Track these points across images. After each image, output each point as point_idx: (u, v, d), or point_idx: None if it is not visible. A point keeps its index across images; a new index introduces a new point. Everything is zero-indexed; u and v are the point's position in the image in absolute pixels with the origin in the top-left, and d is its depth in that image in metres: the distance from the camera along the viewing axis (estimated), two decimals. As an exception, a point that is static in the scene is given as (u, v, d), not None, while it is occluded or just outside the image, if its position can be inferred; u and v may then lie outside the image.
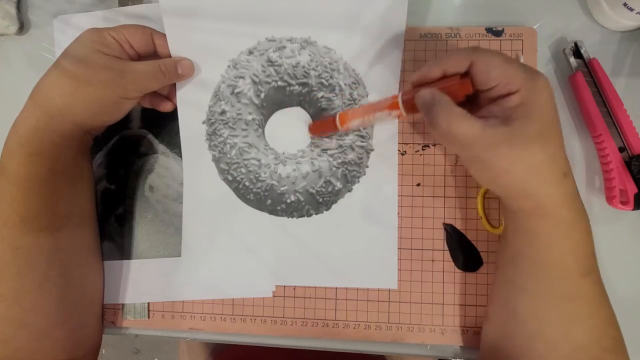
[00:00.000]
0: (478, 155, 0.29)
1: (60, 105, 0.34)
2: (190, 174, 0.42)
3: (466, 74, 0.30)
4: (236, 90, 0.40)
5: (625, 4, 0.36)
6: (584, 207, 0.31)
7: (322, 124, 0.39)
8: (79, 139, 0.37)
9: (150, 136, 0.43)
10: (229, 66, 0.40)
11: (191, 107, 0.41)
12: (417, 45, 0.40)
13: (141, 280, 0.42)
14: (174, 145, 0.43)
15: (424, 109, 0.30)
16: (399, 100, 0.33)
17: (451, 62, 0.30)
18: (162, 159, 0.43)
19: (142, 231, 0.42)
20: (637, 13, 0.36)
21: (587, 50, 0.38)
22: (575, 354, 0.30)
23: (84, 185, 0.40)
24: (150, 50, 0.40)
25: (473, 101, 0.31)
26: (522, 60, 0.39)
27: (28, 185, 0.34)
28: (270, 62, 0.40)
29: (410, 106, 0.33)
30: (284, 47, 0.40)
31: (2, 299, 0.34)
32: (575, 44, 0.38)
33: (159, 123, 0.43)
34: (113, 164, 0.43)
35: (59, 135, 0.35)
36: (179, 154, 0.42)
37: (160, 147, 0.43)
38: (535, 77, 0.28)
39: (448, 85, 0.30)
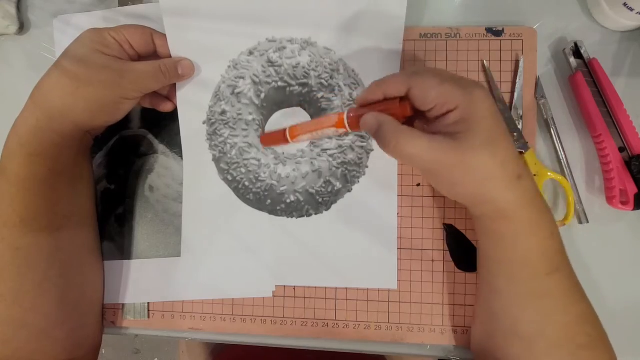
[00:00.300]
0: (430, 169, 0.30)
1: (60, 106, 0.34)
2: (190, 174, 0.42)
3: (405, 97, 0.31)
4: (236, 91, 0.40)
5: (625, 4, 0.36)
6: (546, 205, 0.32)
7: (273, 135, 0.40)
8: (79, 140, 0.37)
9: (150, 136, 0.43)
10: (229, 66, 0.40)
11: (192, 108, 0.41)
12: (417, 45, 0.40)
13: (141, 280, 0.42)
14: (174, 145, 0.43)
15: (371, 131, 0.32)
16: (345, 119, 0.35)
17: (390, 87, 0.31)
18: (162, 159, 0.43)
19: (142, 231, 0.42)
20: (637, 13, 0.36)
21: (587, 51, 0.38)
22: (551, 351, 0.31)
23: (84, 186, 0.40)
24: (150, 50, 0.39)
25: (422, 117, 0.33)
26: (521, 60, 0.39)
27: (28, 185, 0.34)
28: (271, 63, 0.40)
29: (356, 124, 0.34)
30: (284, 48, 0.40)
31: (2, 299, 0.34)
32: (575, 44, 0.38)
33: (159, 123, 0.43)
34: (113, 164, 0.43)
35: (59, 136, 0.35)
36: (179, 154, 0.42)
37: (160, 147, 0.43)
38: (471, 90, 0.29)
39: (387, 108, 0.32)
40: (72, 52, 0.36)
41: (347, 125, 0.35)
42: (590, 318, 0.32)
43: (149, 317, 0.42)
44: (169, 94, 0.42)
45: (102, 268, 0.42)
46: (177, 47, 0.40)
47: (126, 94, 0.36)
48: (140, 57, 0.39)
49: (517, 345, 0.32)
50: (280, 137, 0.38)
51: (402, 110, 0.31)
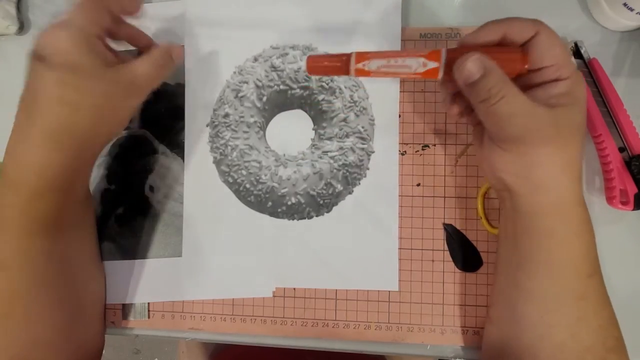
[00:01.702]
0: (520, 136, 0.27)
1: (65, 122, 0.32)
2: (192, 176, 0.42)
3: (522, 48, 0.27)
4: (240, 94, 0.41)
5: (625, 4, 0.36)
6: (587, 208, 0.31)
7: (329, 59, 0.30)
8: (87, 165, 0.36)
9: (150, 136, 0.43)
10: (234, 72, 0.42)
11: (197, 111, 0.42)
12: (417, 45, 0.40)
13: (141, 281, 0.42)
14: (174, 145, 0.43)
15: (469, 78, 0.27)
16: (442, 55, 0.28)
17: (516, 26, 0.28)
18: (162, 159, 0.43)
19: (142, 231, 0.42)
20: (637, 13, 0.36)
21: (587, 50, 0.38)
22: (583, 355, 0.30)
23: (88, 201, 0.39)
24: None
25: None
26: None
27: (46, 219, 0.33)
28: (274, 68, 0.41)
29: (451, 68, 0.28)
30: (287, 54, 0.41)
31: (16, 322, 0.33)
32: (575, 44, 0.38)
33: (159, 123, 0.43)
34: (113, 164, 0.43)
35: (69, 164, 0.33)
36: (179, 154, 0.42)
37: (160, 147, 0.43)
38: (578, 70, 0.28)
39: (507, 56, 0.26)
40: (62, 60, 0.31)
41: (443, 60, 0.27)
42: (616, 321, 0.31)
43: (149, 317, 0.42)
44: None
45: (104, 275, 0.42)
46: (192, 55, 0.42)
47: (131, 102, 0.35)
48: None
49: (547, 349, 0.31)
50: (339, 63, 0.29)
51: (521, 61, 0.27)
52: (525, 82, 0.29)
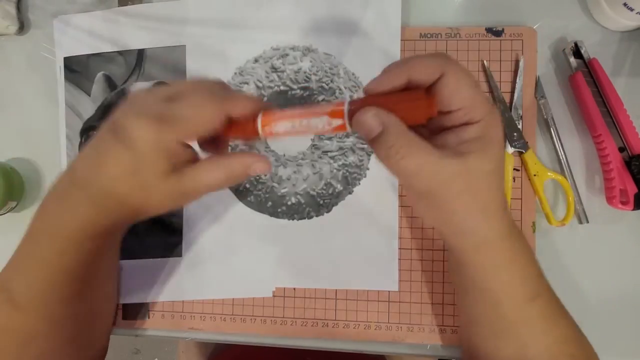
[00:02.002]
0: (430, 191, 0.27)
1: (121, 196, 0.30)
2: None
3: (428, 91, 0.25)
4: None
5: (625, 4, 0.36)
6: (521, 232, 0.31)
7: (238, 125, 0.28)
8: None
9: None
10: (235, 73, 0.42)
11: None
12: (417, 45, 0.40)
13: (141, 280, 0.42)
14: (174, 145, 0.42)
15: (369, 134, 0.26)
16: (345, 109, 0.26)
17: (420, 68, 0.25)
18: (162, 159, 0.43)
19: (143, 231, 0.42)
20: (637, 13, 0.36)
21: (587, 50, 0.38)
22: None
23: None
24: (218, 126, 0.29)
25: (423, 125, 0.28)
26: (521, 60, 0.39)
27: (70, 276, 0.32)
28: (274, 69, 0.41)
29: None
30: (287, 55, 0.41)
31: None
32: (575, 44, 0.38)
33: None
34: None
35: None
36: (179, 154, 0.42)
37: (160, 147, 0.43)
38: (493, 110, 0.26)
39: (411, 104, 0.24)
40: (135, 148, 0.28)
41: (346, 117, 0.26)
42: (573, 338, 0.31)
43: (149, 317, 0.42)
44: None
45: (118, 298, 0.42)
46: (193, 55, 0.42)
47: (184, 203, 0.33)
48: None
49: None
50: (247, 128, 0.28)
51: (427, 108, 0.24)
52: (436, 124, 0.27)
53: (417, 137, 0.25)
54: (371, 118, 0.25)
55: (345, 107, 0.26)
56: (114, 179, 0.29)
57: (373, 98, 0.26)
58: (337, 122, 0.26)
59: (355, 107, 0.26)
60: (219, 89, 0.30)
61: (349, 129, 0.27)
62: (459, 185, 0.26)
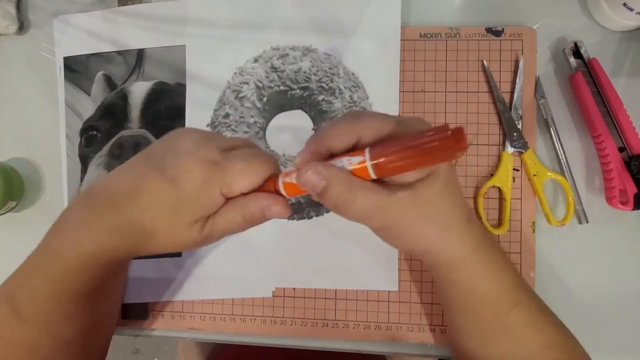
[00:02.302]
0: (386, 225, 0.28)
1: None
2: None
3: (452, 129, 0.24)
4: (240, 95, 0.41)
5: (625, 4, 0.36)
6: (493, 241, 0.31)
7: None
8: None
9: (150, 136, 0.43)
10: (235, 73, 0.42)
11: (198, 111, 0.42)
12: (417, 45, 0.40)
13: (141, 280, 0.42)
14: (174, 145, 0.42)
15: (312, 189, 0.26)
16: (279, 182, 0.27)
17: (335, 139, 0.26)
18: (162, 159, 0.43)
19: (142, 231, 0.42)
20: (636, 13, 0.36)
21: (587, 50, 0.38)
22: None
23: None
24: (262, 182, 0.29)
25: None
26: (521, 60, 0.39)
27: (76, 295, 0.32)
28: (274, 69, 0.41)
29: (293, 189, 0.27)
30: (287, 55, 0.41)
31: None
32: (575, 44, 0.38)
33: (159, 123, 0.43)
34: (113, 164, 0.43)
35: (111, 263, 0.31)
36: (179, 154, 0.42)
37: (160, 147, 0.43)
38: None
39: (440, 144, 0.23)
40: (168, 200, 0.28)
41: (282, 190, 0.27)
42: (558, 343, 0.31)
43: (149, 317, 0.42)
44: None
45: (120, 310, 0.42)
46: (193, 56, 0.42)
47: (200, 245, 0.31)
48: None
49: None
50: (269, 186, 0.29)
51: (456, 145, 0.22)
52: None
53: (362, 181, 0.25)
54: (312, 175, 0.25)
55: (280, 182, 0.27)
56: (147, 211, 0.28)
57: (398, 142, 0.24)
58: (356, 161, 0.25)
59: (288, 179, 0.27)
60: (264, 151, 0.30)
61: (286, 196, 0.27)
62: (411, 214, 0.26)
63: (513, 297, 0.31)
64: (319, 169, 0.25)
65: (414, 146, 0.23)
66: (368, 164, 0.24)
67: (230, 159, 0.28)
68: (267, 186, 0.28)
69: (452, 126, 0.22)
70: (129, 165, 0.30)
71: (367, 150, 0.25)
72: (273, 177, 0.28)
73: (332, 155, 0.26)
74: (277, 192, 0.28)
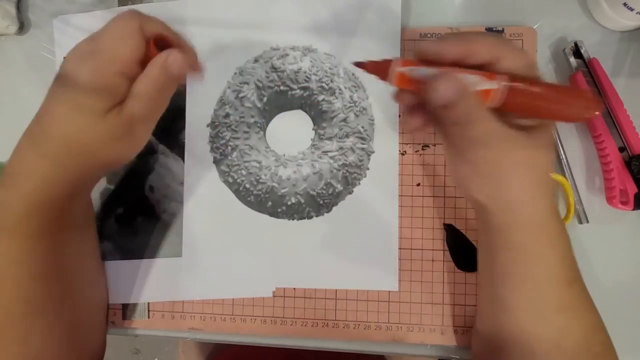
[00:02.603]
0: (489, 159, 0.27)
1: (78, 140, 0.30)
2: (192, 176, 0.42)
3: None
4: (240, 95, 0.41)
5: (625, 4, 0.36)
6: (560, 214, 0.31)
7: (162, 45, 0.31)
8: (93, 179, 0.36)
9: (151, 136, 0.43)
10: (235, 73, 0.42)
11: (198, 111, 0.42)
12: (417, 45, 0.40)
13: (141, 280, 0.42)
14: (174, 145, 0.43)
15: (442, 98, 0.25)
16: (392, 71, 0.26)
17: (478, 46, 0.26)
18: (162, 159, 0.43)
19: (142, 231, 0.42)
20: (637, 13, 0.36)
21: (587, 50, 0.38)
22: None
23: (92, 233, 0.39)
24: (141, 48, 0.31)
25: None
26: None
27: (35, 245, 0.32)
28: (274, 69, 0.41)
29: (406, 81, 0.27)
30: (287, 55, 0.41)
31: (12, 340, 0.32)
32: (575, 44, 0.38)
33: (159, 123, 0.43)
34: (113, 164, 0.43)
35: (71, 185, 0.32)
36: (179, 154, 0.42)
37: (160, 147, 0.43)
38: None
39: (576, 100, 0.24)
40: (75, 88, 0.30)
41: (392, 77, 0.26)
42: (602, 326, 0.31)
43: (149, 317, 0.42)
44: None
45: (106, 279, 0.42)
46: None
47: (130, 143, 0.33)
48: None
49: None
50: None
51: (590, 107, 0.23)
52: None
53: (488, 110, 0.26)
54: (449, 83, 0.25)
55: (392, 71, 0.26)
56: (61, 122, 0.30)
57: (537, 84, 0.25)
58: (487, 85, 0.25)
59: (409, 70, 0.26)
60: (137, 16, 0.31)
61: (392, 84, 0.26)
62: (519, 157, 0.27)
63: (574, 272, 0.30)
64: (456, 79, 0.25)
65: (553, 95, 0.24)
66: (500, 89, 0.24)
67: (99, 38, 0.30)
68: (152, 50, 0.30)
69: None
70: (46, 98, 0.32)
71: (499, 77, 0.25)
72: (157, 38, 0.30)
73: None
74: (370, 69, 0.27)
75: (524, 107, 0.25)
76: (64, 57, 0.31)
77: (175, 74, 0.31)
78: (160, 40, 0.31)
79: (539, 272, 0.30)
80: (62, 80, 0.30)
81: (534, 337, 0.31)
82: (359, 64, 0.28)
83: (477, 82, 0.25)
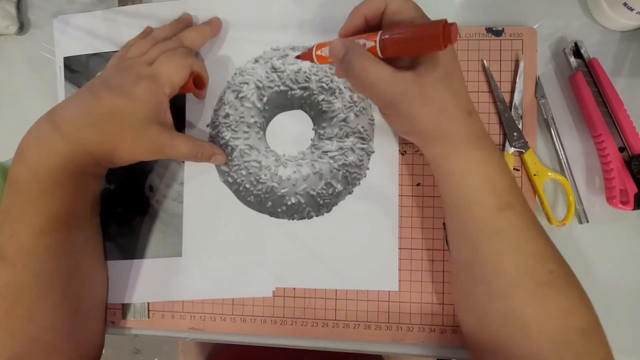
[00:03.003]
0: (391, 100, 0.31)
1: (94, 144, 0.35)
2: (192, 176, 0.42)
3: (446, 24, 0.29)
4: (240, 95, 0.41)
5: (625, 4, 0.36)
6: (493, 144, 0.32)
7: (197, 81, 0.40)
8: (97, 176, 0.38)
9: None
10: (235, 73, 0.42)
11: (198, 111, 0.42)
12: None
13: (141, 280, 0.42)
14: (174, 145, 0.42)
15: (337, 57, 0.32)
16: (313, 53, 0.35)
17: (368, 5, 0.32)
18: (162, 158, 0.43)
19: (142, 231, 0.42)
20: (637, 13, 0.36)
21: (587, 50, 0.38)
22: (510, 289, 0.30)
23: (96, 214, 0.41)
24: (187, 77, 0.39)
25: None
26: (521, 60, 0.39)
27: (54, 217, 0.34)
28: (274, 69, 0.41)
29: (323, 59, 0.35)
30: (287, 55, 0.41)
31: (17, 320, 0.33)
32: (575, 44, 0.38)
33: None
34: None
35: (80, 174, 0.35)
36: (179, 154, 0.42)
37: (160, 147, 0.43)
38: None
39: (429, 32, 0.29)
40: (126, 110, 0.34)
41: (314, 57, 0.35)
42: (552, 256, 0.31)
43: (149, 317, 0.42)
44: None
45: (107, 275, 0.42)
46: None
47: (157, 157, 0.37)
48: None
49: (480, 288, 0.32)
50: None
51: (443, 37, 0.27)
52: None
53: (374, 56, 0.31)
54: (337, 43, 0.32)
55: (313, 50, 0.34)
56: (104, 116, 0.34)
57: (400, 29, 0.30)
58: (369, 44, 0.31)
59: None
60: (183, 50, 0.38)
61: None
62: (412, 92, 0.30)
63: (505, 197, 0.31)
64: (342, 40, 0.32)
65: (411, 33, 0.29)
66: (377, 43, 0.30)
67: (159, 68, 0.36)
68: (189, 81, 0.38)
69: (448, 21, 0.28)
70: (81, 94, 0.36)
71: (379, 33, 0.30)
72: (193, 72, 0.38)
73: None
74: (303, 58, 0.37)
75: (400, 50, 0.30)
76: (115, 71, 0.37)
77: (206, 162, 0.39)
78: (197, 77, 0.39)
79: (465, 197, 0.32)
80: (120, 89, 0.35)
81: (476, 262, 0.32)
82: (298, 57, 0.38)
83: (364, 44, 0.31)
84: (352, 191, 0.40)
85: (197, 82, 0.40)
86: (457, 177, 0.32)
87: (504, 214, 0.31)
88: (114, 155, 0.35)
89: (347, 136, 0.40)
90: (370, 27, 0.33)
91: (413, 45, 0.29)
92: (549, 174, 0.38)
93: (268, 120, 0.42)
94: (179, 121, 0.42)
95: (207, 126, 0.42)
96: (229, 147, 0.41)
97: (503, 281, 0.31)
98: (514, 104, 0.39)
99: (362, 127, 0.40)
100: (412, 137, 0.35)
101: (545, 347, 0.29)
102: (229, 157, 0.41)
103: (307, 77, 0.40)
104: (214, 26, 0.41)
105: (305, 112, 0.41)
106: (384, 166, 0.40)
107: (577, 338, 0.29)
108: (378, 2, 0.32)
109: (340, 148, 0.40)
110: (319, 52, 0.35)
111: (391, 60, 0.31)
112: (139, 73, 0.36)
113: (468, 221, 0.32)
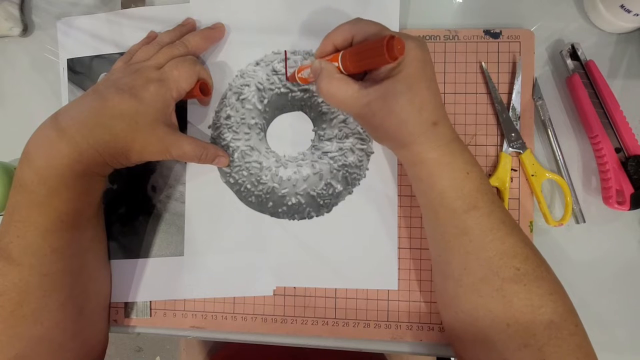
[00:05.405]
0: (358, 113, 0.33)
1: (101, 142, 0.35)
2: (193, 176, 0.43)
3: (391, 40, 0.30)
4: (241, 97, 0.42)
5: (622, 6, 0.37)
6: (462, 148, 0.33)
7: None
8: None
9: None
10: (236, 75, 0.42)
11: (199, 113, 0.43)
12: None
13: (143, 279, 0.42)
14: (176, 146, 0.43)
15: (315, 76, 0.34)
16: (296, 76, 0.37)
17: (336, 36, 0.34)
18: (164, 159, 0.43)
19: (145, 231, 0.43)
20: (634, 15, 0.37)
21: (584, 52, 0.39)
22: (477, 286, 0.32)
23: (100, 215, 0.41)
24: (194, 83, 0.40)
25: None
26: (519, 62, 0.39)
27: (60, 218, 0.35)
28: (275, 72, 0.41)
29: (305, 80, 0.37)
30: (288, 59, 0.41)
31: (24, 319, 0.34)
32: (572, 46, 0.39)
33: (161, 124, 0.43)
34: (116, 165, 0.44)
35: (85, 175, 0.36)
36: (181, 155, 0.43)
37: (162, 147, 0.43)
38: (404, 40, 0.31)
39: (374, 51, 0.30)
40: (135, 111, 0.35)
41: (297, 80, 0.38)
42: (518, 253, 0.32)
43: (151, 315, 0.42)
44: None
45: (111, 274, 0.43)
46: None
47: (163, 158, 0.38)
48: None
49: (450, 285, 0.34)
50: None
51: (387, 53, 0.29)
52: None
53: (342, 75, 0.33)
54: (316, 64, 0.34)
55: (340, 57, 0.34)
56: (114, 117, 0.35)
57: (354, 47, 0.33)
58: (335, 64, 0.34)
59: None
60: (191, 58, 0.40)
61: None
62: (375, 106, 0.31)
63: (472, 200, 0.32)
64: (321, 62, 0.34)
65: (360, 51, 0.31)
66: (339, 62, 0.33)
67: (168, 72, 0.37)
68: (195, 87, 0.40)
69: (394, 38, 0.29)
70: (88, 96, 0.36)
71: (341, 53, 0.33)
72: (199, 79, 0.40)
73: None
74: (290, 80, 0.40)
75: (357, 67, 0.32)
76: (122, 75, 0.38)
77: (209, 164, 0.41)
78: (203, 84, 0.41)
79: (433, 199, 0.33)
80: (129, 91, 0.36)
81: (446, 261, 0.34)
82: (287, 79, 0.41)
83: (333, 65, 0.33)
84: (352, 191, 0.41)
85: (203, 89, 0.41)
86: (425, 181, 0.33)
87: (470, 215, 0.32)
88: (124, 156, 0.36)
89: (346, 137, 0.40)
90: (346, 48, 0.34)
91: (365, 61, 0.31)
92: (547, 174, 0.38)
93: (269, 121, 0.42)
94: (181, 122, 0.43)
95: (209, 127, 0.43)
96: (230, 148, 0.41)
97: (471, 278, 0.32)
98: (511, 105, 0.39)
99: (362, 128, 0.40)
100: (384, 144, 0.37)
101: (514, 339, 0.30)
102: (230, 158, 0.41)
103: None
104: (218, 32, 0.42)
105: (306, 113, 0.42)
106: (384, 166, 0.40)
107: (543, 331, 0.30)
108: (345, 32, 0.33)
109: (340, 149, 0.40)
110: (299, 75, 0.37)
111: (373, 74, 0.33)
112: (148, 76, 0.37)
113: (437, 222, 0.34)
